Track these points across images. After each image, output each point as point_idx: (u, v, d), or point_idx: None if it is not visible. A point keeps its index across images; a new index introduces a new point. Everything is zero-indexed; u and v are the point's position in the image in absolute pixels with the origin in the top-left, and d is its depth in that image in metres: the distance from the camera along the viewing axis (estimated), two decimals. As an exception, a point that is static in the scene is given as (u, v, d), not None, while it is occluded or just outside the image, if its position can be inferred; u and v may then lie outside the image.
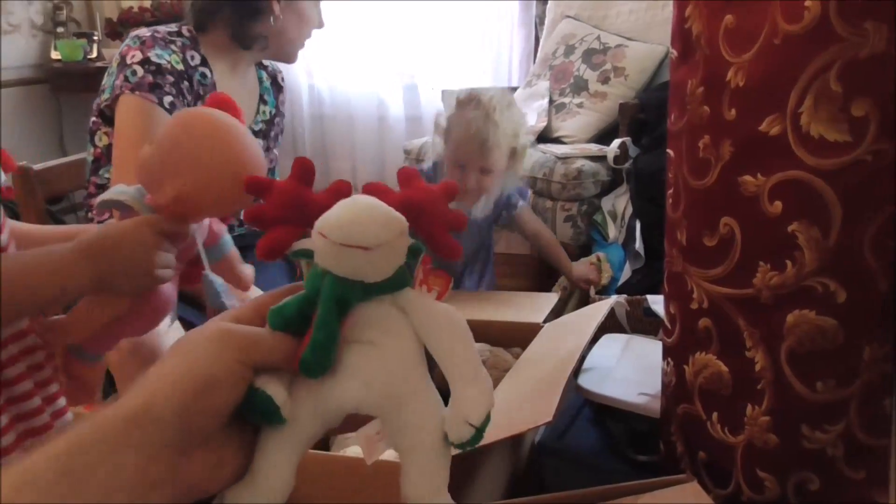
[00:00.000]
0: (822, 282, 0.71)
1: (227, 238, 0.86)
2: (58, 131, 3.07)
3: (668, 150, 0.86)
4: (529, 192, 1.90)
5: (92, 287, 0.76)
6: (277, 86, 1.63)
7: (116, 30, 3.08)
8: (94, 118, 1.40)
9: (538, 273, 2.88)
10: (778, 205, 0.71)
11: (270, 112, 1.59)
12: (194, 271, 0.82)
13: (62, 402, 0.83)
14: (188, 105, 1.36)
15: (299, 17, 1.48)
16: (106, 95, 1.34)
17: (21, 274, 0.72)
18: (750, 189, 0.73)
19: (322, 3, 1.56)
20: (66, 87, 2.98)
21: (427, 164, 1.79)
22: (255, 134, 1.53)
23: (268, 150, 1.58)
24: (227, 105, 0.79)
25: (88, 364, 0.84)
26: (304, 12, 1.50)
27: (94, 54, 3.03)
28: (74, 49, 2.92)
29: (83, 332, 0.81)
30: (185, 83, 1.35)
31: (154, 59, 1.31)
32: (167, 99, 1.31)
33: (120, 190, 0.80)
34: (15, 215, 1.29)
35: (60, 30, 3.02)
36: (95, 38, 3.05)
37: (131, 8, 3.15)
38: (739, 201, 0.74)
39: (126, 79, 1.30)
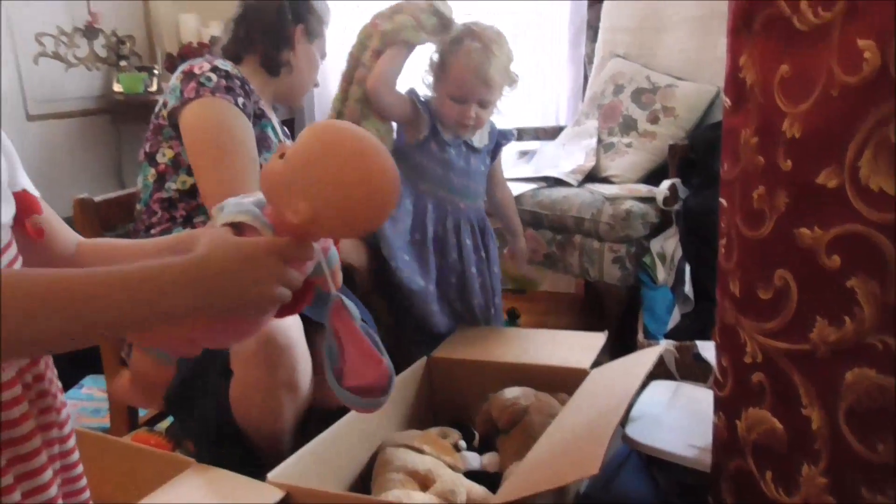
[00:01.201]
0: (882, 339, 0.68)
1: (334, 251, 0.81)
2: (116, 161, 3.16)
3: (721, 199, 0.85)
4: (514, 132, 1.90)
5: (197, 312, 0.68)
6: (285, 133, 1.70)
7: (175, 64, 3.18)
8: (150, 139, 1.44)
9: (582, 311, 2.85)
10: (836, 259, 0.69)
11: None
12: (305, 293, 0.77)
13: (69, 444, 0.76)
14: (255, 108, 1.43)
15: (309, 62, 1.59)
16: (172, 103, 1.37)
17: (118, 291, 0.63)
18: (806, 242, 0.71)
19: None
20: (126, 119, 3.08)
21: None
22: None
23: None
24: None
25: (159, 362, 0.79)
26: (314, 60, 1.60)
27: (154, 87, 3.12)
28: (135, 82, 3.01)
29: (163, 337, 0.75)
30: (248, 86, 1.43)
31: (220, 66, 1.39)
32: (241, 100, 1.37)
33: (237, 210, 0.74)
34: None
35: (123, 63, 3.13)
36: (156, 71, 3.15)
37: (190, 43, 3.25)
38: (795, 254, 0.72)
39: (201, 84, 1.35)
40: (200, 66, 1.39)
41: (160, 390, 0.83)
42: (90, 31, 2.96)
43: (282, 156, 0.73)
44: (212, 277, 0.67)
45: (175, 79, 1.41)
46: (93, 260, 0.85)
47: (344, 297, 0.78)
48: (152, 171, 1.43)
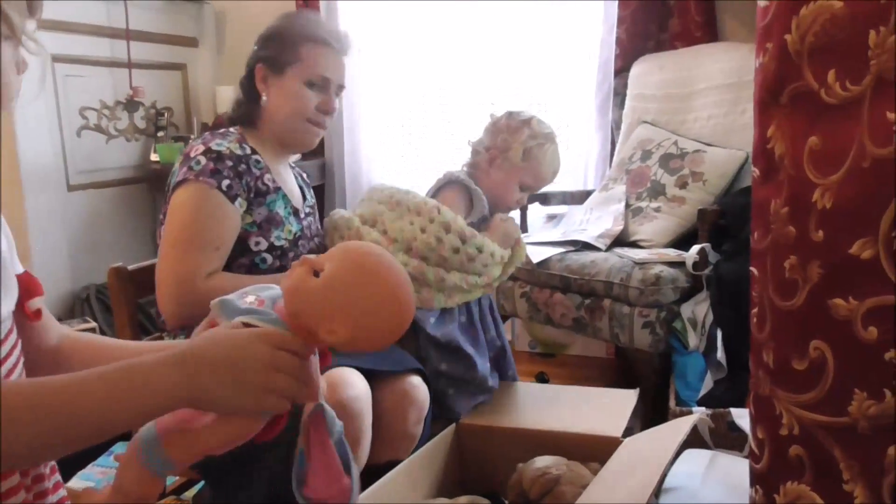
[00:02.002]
0: (925, 414, 0.66)
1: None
2: (153, 229, 3.24)
3: (752, 269, 0.84)
4: None
5: (189, 405, 0.69)
6: (307, 183, 1.74)
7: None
8: (161, 217, 1.50)
9: (613, 376, 2.81)
10: (873, 331, 0.68)
11: (312, 198, 1.70)
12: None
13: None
14: (246, 187, 1.44)
15: (285, 95, 1.53)
16: (171, 184, 1.45)
17: (103, 393, 0.64)
18: (842, 313, 0.70)
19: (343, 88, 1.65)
20: (163, 187, 3.15)
21: (461, 174, 1.72)
22: (308, 214, 1.64)
23: (315, 223, 1.68)
24: None
25: (155, 473, 0.75)
26: (290, 90, 1.53)
27: (190, 156, 3.22)
28: (172, 152, 3.10)
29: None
30: (244, 165, 1.45)
31: (214, 147, 1.43)
32: (225, 182, 1.40)
33: (259, 317, 0.77)
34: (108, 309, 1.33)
35: (161, 134, 3.23)
36: (191, 141, 3.25)
37: (225, 113, 3.35)
38: (830, 325, 0.71)
39: (190, 168, 1.41)
40: (196, 147, 1.44)
41: None
42: (131, 104, 3.07)
43: (316, 274, 0.78)
44: (201, 362, 0.67)
45: (177, 161, 1.47)
46: (73, 353, 0.85)
47: (326, 408, 0.81)
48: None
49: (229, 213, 1.40)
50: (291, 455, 1.26)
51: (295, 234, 1.53)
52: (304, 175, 1.75)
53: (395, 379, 1.40)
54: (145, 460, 0.74)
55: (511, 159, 1.68)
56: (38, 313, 0.80)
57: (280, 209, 1.51)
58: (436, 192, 1.69)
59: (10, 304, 0.74)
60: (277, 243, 1.48)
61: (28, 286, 0.79)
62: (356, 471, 0.83)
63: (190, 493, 1.64)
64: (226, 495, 1.35)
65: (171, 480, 1.63)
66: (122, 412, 0.66)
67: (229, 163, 1.42)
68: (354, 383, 1.27)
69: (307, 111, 1.54)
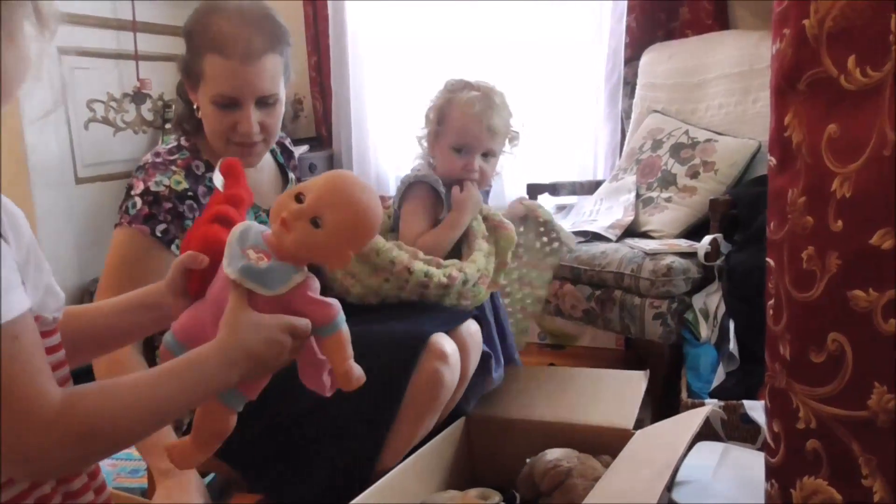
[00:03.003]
0: (947, 407, 0.65)
1: (341, 318, 0.91)
2: (160, 220, 3.24)
3: (768, 260, 0.83)
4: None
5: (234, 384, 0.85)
6: (288, 152, 1.66)
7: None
8: None
9: (626, 369, 2.79)
10: (893, 323, 0.66)
11: (293, 179, 1.63)
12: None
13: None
14: (186, 226, 1.37)
15: (202, 114, 1.41)
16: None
17: (184, 392, 0.79)
18: (861, 305, 0.69)
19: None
20: (170, 179, 3.18)
21: (416, 169, 1.65)
22: None
23: None
24: (233, 166, 0.96)
25: (232, 407, 0.88)
26: (204, 110, 1.40)
27: (198, 148, 3.22)
28: (180, 144, 3.10)
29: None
30: (188, 202, 1.38)
31: (153, 187, 1.36)
32: (160, 227, 1.35)
33: (249, 271, 0.86)
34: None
35: (168, 126, 3.23)
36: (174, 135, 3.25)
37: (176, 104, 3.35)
38: (849, 317, 0.70)
39: (126, 210, 1.36)
40: (137, 184, 1.37)
41: (219, 442, 0.90)
42: (138, 97, 3.06)
43: (314, 222, 0.87)
44: (243, 360, 0.83)
45: (126, 189, 1.41)
46: (66, 322, 0.91)
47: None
48: None
49: (159, 258, 1.34)
50: (350, 448, 1.30)
51: None
52: (287, 141, 1.66)
53: (453, 332, 1.42)
54: (223, 400, 0.87)
55: (433, 128, 1.64)
56: None
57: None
58: (401, 202, 1.62)
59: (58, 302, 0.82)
60: None
61: None
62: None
63: (200, 486, 1.64)
64: (279, 492, 1.35)
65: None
66: (190, 402, 0.83)
67: (167, 205, 1.35)
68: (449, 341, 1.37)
69: (223, 133, 1.39)
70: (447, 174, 1.61)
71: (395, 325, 1.38)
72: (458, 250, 1.57)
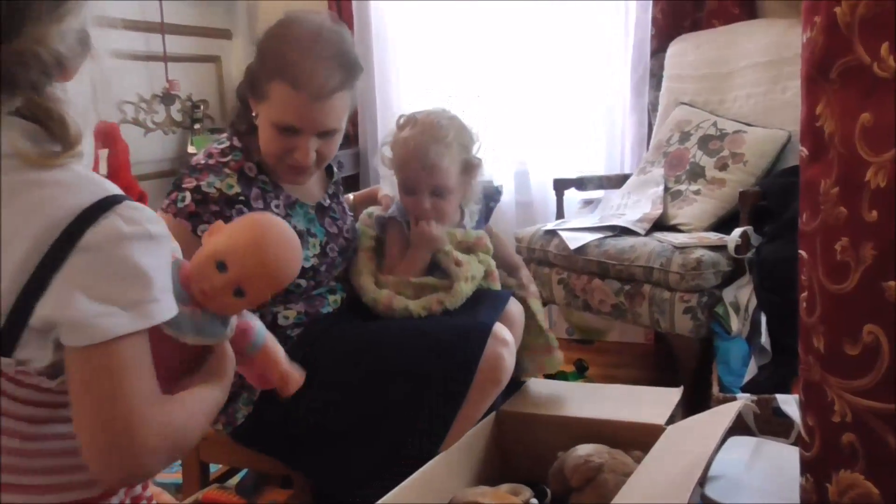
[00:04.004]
0: None
1: (258, 335, 0.96)
2: (190, 220, 3.28)
3: (801, 252, 0.82)
4: (500, 187, 1.78)
5: None
6: (330, 172, 1.64)
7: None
8: None
9: (654, 363, 2.78)
10: (931, 314, 0.65)
11: (337, 174, 1.63)
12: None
13: None
14: None
15: (261, 129, 1.40)
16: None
17: (205, 420, 0.84)
18: (897, 296, 0.68)
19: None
20: (199, 179, 3.22)
21: (393, 207, 1.59)
22: (331, 198, 1.57)
23: (339, 202, 1.61)
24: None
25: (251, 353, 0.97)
26: (263, 127, 1.39)
27: (226, 148, 3.25)
28: (208, 143, 3.09)
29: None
30: (239, 206, 1.38)
31: (204, 187, 1.35)
32: (201, 227, 1.34)
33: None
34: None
35: (197, 126, 3.26)
36: (226, 133, 3.28)
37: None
38: (885, 308, 0.69)
39: (175, 200, 1.36)
40: (188, 181, 1.37)
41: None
42: (168, 98, 3.10)
43: (239, 293, 0.88)
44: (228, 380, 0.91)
45: (174, 182, 1.41)
46: None
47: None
48: None
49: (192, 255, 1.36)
50: (419, 429, 1.34)
51: (321, 242, 1.48)
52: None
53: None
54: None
55: (387, 170, 1.59)
56: None
57: (300, 223, 1.46)
58: (384, 237, 1.60)
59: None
60: (307, 265, 1.42)
61: None
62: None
63: (233, 482, 1.66)
64: (334, 473, 1.39)
65: (215, 468, 1.65)
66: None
67: (214, 207, 1.35)
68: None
69: (278, 155, 1.39)
70: (407, 212, 1.55)
71: (452, 319, 1.45)
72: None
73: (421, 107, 1.61)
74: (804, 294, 0.82)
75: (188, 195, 1.35)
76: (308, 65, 1.32)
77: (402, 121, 1.57)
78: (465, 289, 1.49)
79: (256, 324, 0.97)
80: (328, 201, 1.56)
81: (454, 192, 1.55)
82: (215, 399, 0.86)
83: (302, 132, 1.36)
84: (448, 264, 1.51)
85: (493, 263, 1.60)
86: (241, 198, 1.38)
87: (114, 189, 0.76)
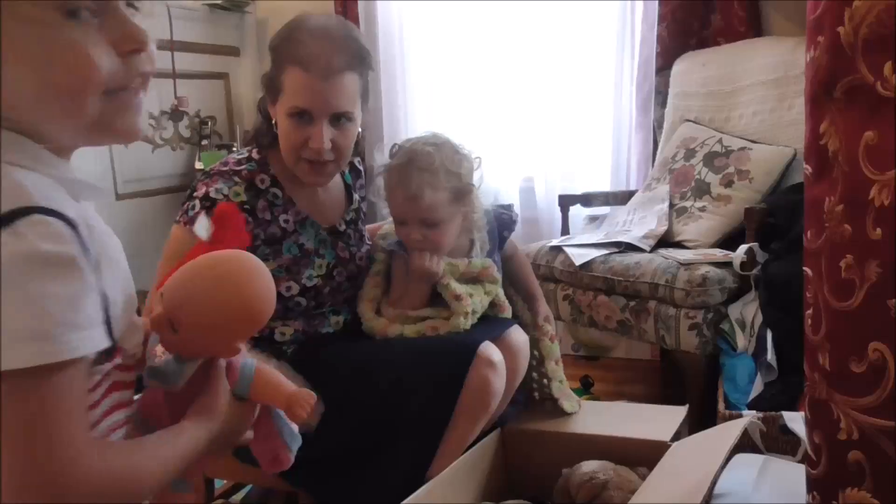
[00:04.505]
0: None
1: (247, 367, 0.90)
2: (197, 235, 3.29)
3: (806, 269, 0.82)
4: (513, 209, 1.71)
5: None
6: (356, 171, 1.66)
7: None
8: None
9: (660, 379, 2.77)
10: (936, 332, 0.66)
11: (357, 200, 1.63)
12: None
13: None
14: (269, 232, 1.41)
15: (279, 128, 1.43)
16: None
17: (177, 458, 0.79)
18: (902, 313, 0.68)
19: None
20: (207, 195, 3.23)
21: (392, 242, 1.58)
22: (347, 224, 1.57)
23: (357, 229, 1.61)
24: (228, 214, 0.95)
25: (184, 491, 0.86)
26: (280, 124, 1.42)
27: (233, 164, 3.27)
28: (215, 159, 3.13)
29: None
30: (244, 214, 1.39)
31: (212, 194, 1.37)
32: None
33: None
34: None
35: (205, 142, 3.28)
36: (235, 148, 3.30)
37: (248, 132, 3.40)
38: (890, 326, 0.69)
39: (186, 210, 1.38)
40: (200, 188, 1.39)
41: None
42: (176, 114, 3.12)
43: (172, 328, 0.82)
44: (223, 440, 0.86)
45: (191, 187, 1.43)
46: None
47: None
48: None
49: None
50: (403, 456, 1.33)
51: (328, 264, 1.49)
52: (356, 161, 1.65)
53: (499, 339, 1.45)
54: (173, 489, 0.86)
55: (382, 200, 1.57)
56: None
57: (308, 241, 1.47)
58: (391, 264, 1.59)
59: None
60: (309, 284, 1.44)
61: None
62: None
63: (238, 497, 1.66)
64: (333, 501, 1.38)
65: (220, 483, 1.65)
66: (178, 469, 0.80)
67: None
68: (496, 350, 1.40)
69: (295, 148, 1.41)
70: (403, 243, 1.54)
71: (445, 337, 1.43)
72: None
73: (430, 113, 1.60)
74: (809, 311, 0.82)
75: (197, 203, 1.37)
76: (316, 47, 1.36)
77: (393, 149, 1.54)
78: (462, 324, 1.45)
79: (244, 360, 0.91)
80: (344, 226, 1.56)
81: (446, 223, 1.49)
82: (188, 441, 0.79)
83: (315, 116, 1.38)
84: (448, 298, 1.48)
85: (500, 294, 1.56)
86: (247, 206, 1.40)
87: (32, 200, 0.65)
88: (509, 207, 1.70)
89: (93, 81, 0.67)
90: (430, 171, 1.46)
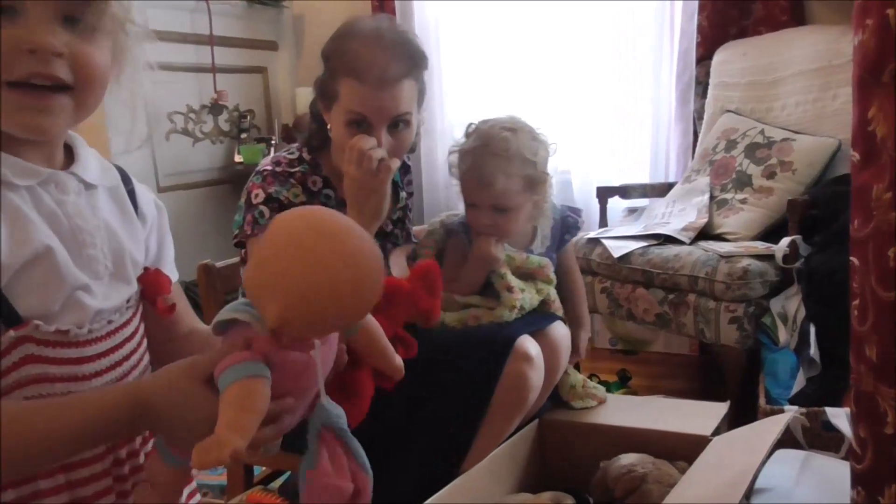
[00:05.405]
0: None
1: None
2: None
3: (852, 259, 0.80)
4: (581, 215, 1.66)
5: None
6: (405, 167, 1.63)
7: (291, 134, 3.35)
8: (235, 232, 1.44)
9: (698, 374, 2.74)
10: None
11: (404, 198, 1.60)
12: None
13: None
14: None
15: (334, 136, 1.40)
16: (236, 231, 1.41)
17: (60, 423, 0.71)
18: (953, 304, 0.66)
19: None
20: (246, 187, 3.28)
21: (458, 217, 1.54)
22: (395, 223, 1.55)
23: (404, 228, 1.59)
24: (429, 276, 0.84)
25: (170, 467, 0.77)
26: (336, 132, 1.38)
27: (272, 157, 3.31)
28: (255, 153, 3.19)
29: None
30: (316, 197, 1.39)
31: (274, 195, 1.36)
32: None
33: (234, 306, 0.74)
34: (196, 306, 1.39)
35: (244, 136, 3.32)
36: (273, 142, 3.33)
37: (304, 116, 3.42)
38: (940, 317, 0.67)
39: (255, 220, 1.36)
40: (257, 192, 1.37)
41: (174, 496, 0.81)
42: (216, 108, 3.17)
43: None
44: (154, 416, 0.73)
45: (243, 196, 1.41)
46: (193, 346, 0.92)
47: (329, 410, 0.75)
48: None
49: None
50: (438, 449, 1.33)
51: None
52: (405, 156, 1.60)
53: (540, 334, 1.43)
54: (160, 455, 0.77)
55: (454, 180, 1.52)
56: (172, 308, 0.88)
57: None
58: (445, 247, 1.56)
59: (124, 294, 0.83)
60: None
61: (159, 283, 0.88)
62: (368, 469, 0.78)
63: (276, 484, 1.68)
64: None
65: (259, 470, 1.67)
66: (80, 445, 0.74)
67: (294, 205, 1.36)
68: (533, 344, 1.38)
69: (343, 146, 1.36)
70: (470, 226, 1.50)
71: (483, 328, 1.41)
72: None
73: (464, 111, 1.56)
74: (856, 302, 0.80)
75: (264, 209, 1.35)
76: (370, 56, 1.32)
77: (469, 129, 1.50)
78: (506, 316, 1.42)
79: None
80: (391, 227, 1.55)
81: (517, 210, 1.45)
82: (101, 411, 0.71)
83: (373, 124, 1.34)
84: (499, 288, 1.45)
85: (553, 294, 1.52)
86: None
87: None
88: (577, 211, 1.65)
89: None
90: (505, 157, 1.42)
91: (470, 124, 1.50)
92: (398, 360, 0.80)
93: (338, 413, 0.76)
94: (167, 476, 0.78)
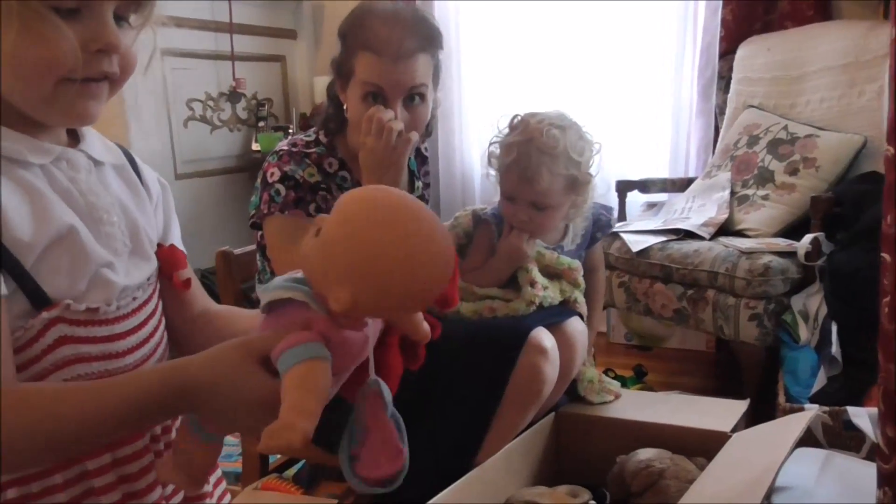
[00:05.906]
0: None
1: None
2: (252, 216, 3.35)
3: (884, 255, 0.78)
4: (614, 211, 1.64)
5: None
6: (422, 157, 1.63)
7: (309, 123, 3.35)
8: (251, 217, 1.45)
9: (715, 371, 2.71)
10: None
11: (420, 187, 1.60)
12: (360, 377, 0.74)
13: None
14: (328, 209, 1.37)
15: (351, 113, 1.40)
16: (252, 210, 1.42)
17: (107, 409, 0.69)
18: None
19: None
20: (263, 176, 3.28)
21: (491, 208, 1.52)
22: None
23: None
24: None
25: (203, 443, 0.75)
26: (353, 108, 1.39)
27: (289, 146, 3.31)
28: (272, 141, 3.19)
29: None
30: (322, 192, 1.39)
31: (290, 173, 1.37)
32: (312, 206, 1.36)
33: (287, 285, 0.70)
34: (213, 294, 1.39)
35: (261, 124, 3.33)
36: (290, 130, 3.33)
37: (322, 103, 3.41)
38: (977, 314, 0.65)
39: (272, 198, 1.36)
40: (272, 171, 1.37)
41: (203, 474, 0.79)
42: (234, 96, 3.17)
43: (317, 232, 0.67)
44: (200, 399, 0.69)
45: (259, 177, 1.42)
46: (207, 324, 0.92)
47: (381, 383, 0.74)
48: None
49: None
50: (451, 440, 1.32)
51: None
52: (422, 147, 1.61)
53: (556, 328, 1.41)
54: (192, 431, 0.75)
55: (492, 171, 1.49)
56: (188, 283, 0.88)
57: None
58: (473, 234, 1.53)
59: (143, 272, 0.83)
60: None
61: (174, 258, 0.88)
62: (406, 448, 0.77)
63: (291, 472, 1.69)
64: None
65: (274, 459, 1.67)
66: (119, 431, 0.72)
67: (308, 183, 1.38)
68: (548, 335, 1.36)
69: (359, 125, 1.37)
70: (505, 219, 1.47)
71: (499, 321, 1.40)
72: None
73: (482, 108, 1.55)
74: (886, 299, 0.78)
75: (280, 187, 1.36)
76: (387, 30, 1.33)
77: (515, 121, 1.46)
78: (522, 310, 1.40)
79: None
80: None
81: (556, 208, 1.43)
82: (138, 394, 0.69)
83: (388, 97, 1.35)
84: (522, 282, 1.43)
85: (580, 298, 1.49)
86: (323, 186, 1.40)
87: None
88: (609, 210, 1.63)
89: (52, 67, 0.70)
90: (552, 155, 1.39)
91: (515, 115, 1.47)
92: (426, 326, 0.77)
93: (387, 390, 0.75)
94: (200, 453, 0.76)
